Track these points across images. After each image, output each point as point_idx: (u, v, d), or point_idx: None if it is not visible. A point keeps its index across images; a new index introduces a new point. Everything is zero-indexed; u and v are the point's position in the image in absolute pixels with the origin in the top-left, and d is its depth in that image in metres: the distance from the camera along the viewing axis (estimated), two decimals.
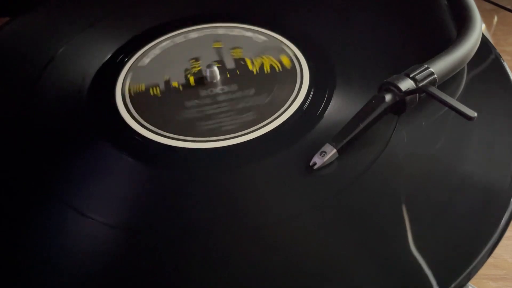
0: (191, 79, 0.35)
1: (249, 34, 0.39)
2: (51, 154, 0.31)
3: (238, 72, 0.36)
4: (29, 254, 0.26)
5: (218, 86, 0.35)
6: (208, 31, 0.40)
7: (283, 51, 0.37)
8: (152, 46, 0.39)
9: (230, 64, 0.36)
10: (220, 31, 0.40)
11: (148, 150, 0.30)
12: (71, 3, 0.45)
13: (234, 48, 0.38)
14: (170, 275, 0.24)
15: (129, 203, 0.28)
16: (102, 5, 0.44)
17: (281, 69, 0.36)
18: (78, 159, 0.31)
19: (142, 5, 0.44)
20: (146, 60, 0.37)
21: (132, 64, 0.37)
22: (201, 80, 0.35)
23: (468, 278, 0.23)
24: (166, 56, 0.38)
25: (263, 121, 0.31)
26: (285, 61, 0.36)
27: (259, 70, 0.36)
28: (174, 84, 0.35)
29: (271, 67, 0.36)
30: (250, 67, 0.36)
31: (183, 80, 0.35)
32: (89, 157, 0.31)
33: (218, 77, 0.35)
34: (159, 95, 0.34)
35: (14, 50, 0.40)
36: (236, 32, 0.39)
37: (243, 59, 0.37)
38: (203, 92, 0.34)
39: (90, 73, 0.37)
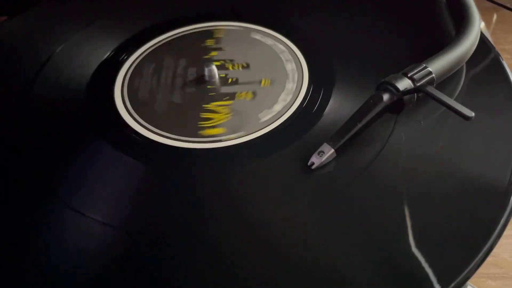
0: (191, 79, 0.35)
1: (241, 30, 0.39)
2: (49, 154, 0.31)
3: (236, 69, 0.36)
4: (27, 253, 0.26)
5: (219, 84, 0.35)
6: (200, 31, 0.40)
7: (277, 46, 0.37)
8: (149, 46, 0.38)
9: (227, 62, 0.36)
10: (217, 28, 0.40)
11: (147, 149, 0.30)
12: (69, 2, 0.45)
13: (228, 46, 0.38)
14: (169, 275, 0.24)
15: (128, 203, 0.28)
16: (100, 3, 0.44)
17: (278, 63, 0.36)
18: (76, 158, 0.31)
19: (140, 3, 0.44)
20: (144, 61, 0.37)
21: (130, 65, 0.37)
22: (201, 80, 0.35)
23: (467, 277, 0.23)
24: (160, 59, 0.37)
25: (261, 121, 0.31)
26: (281, 54, 0.37)
27: (256, 65, 0.36)
28: (174, 85, 0.35)
29: (268, 62, 0.36)
30: (247, 64, 0.36)
31: (182, 81, 0.35)
32: (88, 156, 0.31)
33: (217, 75, 0.35)
34: (161, 99, 0.34)
35: (11, 49, 0.40)
36: (228, 29, 0.40)
37: (239, 56, 0.37)
38: (204, 91, 0.34)
39: (88, 72, 0.36)
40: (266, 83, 0.34)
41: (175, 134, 0.31)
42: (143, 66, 0.37)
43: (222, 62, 0.36)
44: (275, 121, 0.31)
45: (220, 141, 0.30)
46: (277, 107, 0.32)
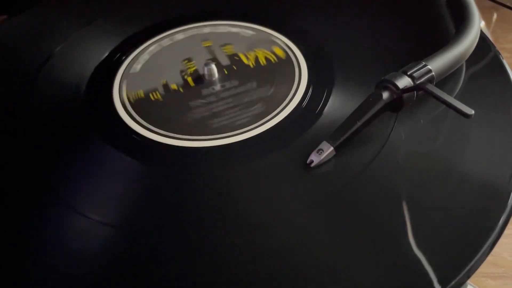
0: (189, 79, 0.35)
1: (235, 30, 0.39)
2: (48, 153, 0.31)
3: (234, 67, 0.36)
4: (27, 253, 0.26)
5: (218, 83, 0.34)
6: (193, 31, 0.39)
7: (274, 43, 0.37)
8: (140, 51, 0.38)
9: (224, 61, 0.36)
10: (207, 30, 0.40)
11: (146, 149, 0.30)
12: (68, 1, 0.45)
13: (224, 45, 0.38)
14: (168, 274, 0.24)
15: (127, 203, 0.28)
16: (99, 3, 0.44)
17: (276, 60, 0.36)
18: (75, 158, 0.31)
19: (139, 3, 0.43)
20: (138, 66, 0.37)
21: (124, 71, 0.37)
22: (200, 79, 0.35)
23: (467, 276, 0.23)
24: (156, 60, 0.37)
25: (261, 120, 0.31)
26: (279, 51, 0.36)
27: (255, 63, 0.36)
28: (173, 86, 0.35)
29: (266, 59, 0.36)
30: (246, 61, 0.36)
31: (181, 82, 0.35)
32: (87, 156, 0.31)
33: (216, 74, 0.35)
34: (161, 99, 0.34)
35: (11, 49, 0.40)
36: (222, 29, 0.39)
37: (236, 54, 0.37)
38: (204, 91, 0.34)
39: (87, 71, 0.36)
40: (266, 80, 0.34)
41: (179, 134, 0.31)
42: (138, 73, 0.36)
43: (220, 60, 0.36)
44: (275, 119, 0.31)
45: (219, 139, 0.30)
46: (277, 106, 0.32)
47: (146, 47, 0.38)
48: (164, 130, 0.31)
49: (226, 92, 0.34)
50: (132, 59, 0.37)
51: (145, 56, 0.37)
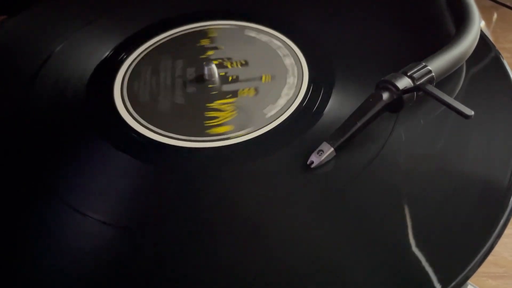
0: (190, 79, 0.35)
1: (252, 34, 0.39)
2: (49, 152, 0.31)
3: (233, 67, 0.36)
4: (27, 252, 0.26)
5: (219, 82, 0.35)
6: (194, 30, 0.39)
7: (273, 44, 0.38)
8: (147, 46, 0.38)
9: (221, 61, 0.37)
10: (211, 28, 0.39)
11: (146, 148, 0.30)
12: (68, 1, 0.45)
13: (220, 44, 0.38)
14: (170, 275, 0.24)
15: (128, 202, 0.28)
16: (99, 3, 0.44)
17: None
18: (76, 157, 0.31)
19: (139, 3, 0.43)
20: (141, 61, 0.37)
21: (129, 64, 0.37)
22: (201, 78, 0.35)
23: (468, 276, 0.23)
24: (157, 60, 0.37)
25: (268, 116, 0.31)
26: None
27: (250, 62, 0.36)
28: (176, 85, 0.35)
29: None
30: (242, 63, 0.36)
31: (182, 79, 0.35)
32: (87, 155, 0.31)
33: (217, 74, 0.35)
34: (162, 97, 0.34)
35: (11, 48, 0.40)
36: (228, 26, 0.40)
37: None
38: (205, 90, 0.34)
39: (88, 71, 0.36)
40: (267, 79, 0.34)
41: (180, 134, 0.31)
42: (141, 67, 0.36)
43: (220, 60, 0.36)
44: (281, 115, 0.31)
45: (229, 138, 0.30)
46: (281, 102, 0.32)
47: (149, 46, 0.38)
48: (168, 131, 0.31)
49: (228, 91, 0.34)
50: (135, 57, 0.37)
51: (146, 56, 0.37)
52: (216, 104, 0.33)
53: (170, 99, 0.34)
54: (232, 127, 0.31)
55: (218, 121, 0.32)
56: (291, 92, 0.33)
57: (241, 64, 0.36)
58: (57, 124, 0.33)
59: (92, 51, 0.38)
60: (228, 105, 0.33)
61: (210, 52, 0.37)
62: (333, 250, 0.25)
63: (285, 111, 0.32)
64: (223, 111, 0.32)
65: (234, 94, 0.34)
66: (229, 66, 0.36)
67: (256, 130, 0.31)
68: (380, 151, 0.29)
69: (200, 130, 0.31)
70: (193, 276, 0.24)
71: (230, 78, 0.35)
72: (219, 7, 0.42)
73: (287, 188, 0.28)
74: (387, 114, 0.30)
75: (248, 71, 0.35)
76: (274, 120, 0.31)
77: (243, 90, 0.34)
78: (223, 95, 0.34)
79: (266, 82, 0.34)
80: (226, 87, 0.34)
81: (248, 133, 0.31)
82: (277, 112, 0.32)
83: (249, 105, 0.33)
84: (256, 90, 0.34)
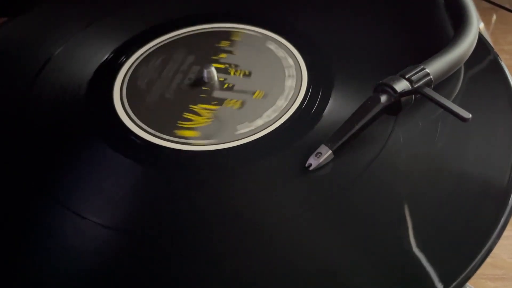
0: (190, 82, 0.35)
1: (272, 46, 0.38)
2: (48, 155, 0.31)
3: (231, 67, 0.36)
4: (26, 255, 0.26)
5: (219, 85, 0.35)
6: (192, 32, 0.39)
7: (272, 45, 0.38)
8: (149, 47, 0.38)
9: (221, 63, 0.37)
10: (237, 31, 0.39)
11: (145, 151, 0.30)
12: (68, 3, 0.45)
13: (220, 48, 0.38)
14: (169, 276, 0.24)
15: (127, 205, 0.28)
16: (99, 5, 0.44)
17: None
18: (75, 160, 0.31)
19: (140, 5, 0.44)
20: (139, 69, 0.36)
21: (129, 66, 0.37)
22: (201, 81, 0.35)
23: (467, 277, 0.23)
24: (149, 72, 0.37)
25: (238, 132, 0.31)
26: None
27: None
28: (176, 89, 0.35)
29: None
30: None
31: (183, 85, 0.35)
32: (87, 158, 0.31)
33: (216, 77, 0.35)
34: (165, 103, 0.34)
35: (11, 51, 0.40)
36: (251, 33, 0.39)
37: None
38: (197, 91, 0.34)
39: (87, 73, 0.36)
40: (259, 95, 0.34)
41: (151, 128, 0.31)
42: (139, 76, 0.36)
43: (227, 65, 0.36)
44: (251, 135, 0.31)
45: (190, 144, 0.30)
46: (259, 122, 0.32)
47: (150, 47, 0.38)
48: (166, 134, 0.31)
49: (216, 98, 0.34)
50: (134, 60, 0.37)
51: (143, 60, 0.37)
52: (198, 107, 0.33)
53: (160, 92, 0.34)
54: (199, 133, 0.31)
55: (191, 124, 0.32)
56: (290, 96, 0.33)
57: (244, 75, 0.36)
58: (57, 126, 0.33)
59: (92, 54, 0.38)
60: (208, 111, 0.33)
61: (222, 55, 0.37)
62: (332, 252, 0.25)
63: (284, 115, 0.32)
64: (200, 115, 0.32)
65: (220, 102, 0.33)
66: (231, 73, 0.36)
67: (219, 144, 0.30)
68: (379, 154, 0.29)
69: (169, 129, 0.31)
70: (193, 276, 0.24)
71: (225, 85, 0.35)
72: (213, 9, 0.42)
73: (286, 190, 0.28)
74: (385, 116, 0.30)
75: (246, 83, 0.35)
76: (243, 138, 0.31)
77: (230, 100, 0.33)
78: (209, 100, 0.33)
79: (256, 98, 0.34)
80: (217, 93, 0.34)
81: (210, 144, 0.30)
82: (248, 131, 0.31)
83: (227, 117, 0.32)
84: (242, 104, 0.33)
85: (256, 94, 0.34)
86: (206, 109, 0.33)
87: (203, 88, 0.34)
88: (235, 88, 0.34)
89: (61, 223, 0.27)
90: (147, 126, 0.32)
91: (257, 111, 0.32)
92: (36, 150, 0.31)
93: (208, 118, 0.32)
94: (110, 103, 0.34)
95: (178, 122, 0.32)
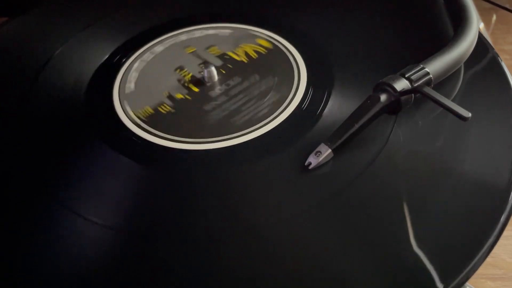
0: (191, 85, 0.35)
1: (212, 32, 0.39)
2: (48, 155, 0.31)
3: (230, 66, 0.36)
4: (25, 254, 0.26)
5: (221, 84, 0.35)
6: (170, 41, 0.39)
7: (255, 37, 0.38)
8: (146, 48, 0.38)
9: (216, 62, 0.37)
10: (184, 37, 0.40)
11: (144, 151, 0.30)
12: (68, 4, 0.45)
13: (209, 47, 0.38)
14: (169, 276, 0.24)
15: (127, 205, 0.28)
16: (99, 5, 0.44)
17: (265, 51, 0.37)
18: (75, 159, 0.31)
19: (139, 5, 0.44)
20: (131, 85, 0.36)
21: (128, 66, 0.37)
22: (201, 83, 0.35)
23: (467, 277, 0.23)
24: (147, 75, 0.37)
25: (261, 122, 0.31)
26: (264, 43, 0.37)
27: (247, 57, 0.36)
28: (179, 96, 0.34)
29: (256, 51, 0.37)
30: (237, 58, 0.36)
31: (184, 90, 0.35)
32: (86, 157, 0.31)
33: (216, 76, 0.35)
34: (173, 110, 0.33)
35: (11, 51, 0.40)
36: (198, 33, 0.40)
37: (225, 53, 0.37)
38: (212, 93, 0.34)
39: (87, 73, 0.37)
40: (264, 65, 0.35)
41: (175, 136, 0.31)
42: (134, 91, 0.36)
43: (222, 63, 0.36)
44: (274, 121, 0.31)
45: (219, 142, 0.30)
46: (276, 108, 0.32)
47: (148, 47, 0.39)
48: (169, 134, 0.31)
49: (233, 90, 0.34)
50: (134, 59, 0.37)
51: (134, 74, 0.37)
52: (234, 100, 0.33)
53: (180, 108, 0.33)
54: (254, 119, 0.32)
55: (247, 114, 0.32)
56: (290, 95, 0.33)
57: (234, 62, 0.36)
58: (57, 127, 0.33)
59: (92, 54, 0.38)
60: (240, 100, 0.33)
61: (198, 56, 0.37)
62: (332, 251, 0.25)
63: (283, 113, 0.32)
64: (238, 107, 0.33)
65: (241, 90, 0.34)
66: (223, 65, 0.36)
67: (254, 131, 0.31)
68: (379, 153, 0.29)
69: (224, 130, 0.31)
70: (192, 277, 0.24)
71: (228, 82, 0.35)
72: (225, 9, 0.42)
73: (285, 189, 0.28)
74: (385, 115, 0.30)
75: (241, 64, 0.36)
76: (272, 121, 0.31)
77: (247, 84, 0.34)
78: (231, 93, 0.34)
79: (265, 67, 0.35)
80: (230, 85, 0.34)
81: (245, 135, 0.31)
82: (275, 114, 0.32)
83: (260, 96, 0.33)
84: (262, 76, 0.34)
85: (258, 83, 0.35)
86: (223, 104, 0.33)
87: (207, 89, 0.35)
88: (238, 82, 0.35)
89: (60, 223, 0.27)
90: (176, 136, 0.31)
91: (268, 98, 0.33)
92: (36, 149, 0.31)
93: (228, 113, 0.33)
94: (110, 103, 0.34)
95: (204, 123, 0.32)
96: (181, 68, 0.37)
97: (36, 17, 0.44)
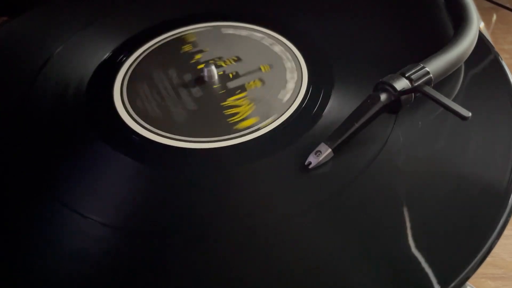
0: (191, 84, 0.35)
1: (244, 32, 0.39)
2: (48, 154, 0.31)
3: (230, 65, 0.36)
4: (26, 254, 0.26)
5: (221, 81, 0.35)
6: (171, 39, 0.39)
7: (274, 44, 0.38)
8: (146, 48, 0.38)
9: (217, 61, 0.37)
10: (187, 34, 0.40)
11: (145, 150, 0.30)
12: (68, 4, 0.45)
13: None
14: (169, 275, 0.24)
15: (127, 203, 0.28)
16: (99, 5, 0.44)
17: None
18: (75, 158, 0.31)
19: (139, 5, 0.44)
20: (135, 70, 0.36)
21: (129, 65, 0.37)
22: (201, 81, 0.35)
23: (467, 277, 0.23)
24: (147, 74, 0.37)
25: (261, 122, 0.31)
26: None
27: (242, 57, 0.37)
28: (179, 94, 0.34)
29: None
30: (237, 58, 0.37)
31: (184, 84, 0.35)
32: (87, 156, 0.31)
33: (216, 75, 0.35)
34: (173, 109, 0.33)
35: (11, 50, 0.40)
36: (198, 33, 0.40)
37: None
38: (212, 91, 0.34)
39: (87, 73, 0.37)
40: (266, 69, 0.35)
41: (206, 137, 0.31)
42: (136, 81, 0.36)
43: (212, 61, 0.36)
44: (276, 121, 0.31)
45: (219, 142, 0.30)
46: (290, 85, 0.33)
47: (148, 47, 0.39)
48: (164, 130, 0.31)
49: (235, 87, 0.34)
50: (135, 59, 0.37)
51: (134, 72, 0.37)
52: (230, 101, 0.33)
53: (181, 107, 0.33)
54: (257, 118, 0.31)
55: (241, 116, 0.32)
56: (295, 75, 0.34)
57: (235, 61, 0.36)
58: (57, 125, 0.33)
59: (92, 53, 0.38)
60: (242, 99, 0.33)
61: (197, 56, 0.37)
62: (332, 251, 0.25)
63: (284, 113, 0.32)
64: (241, 106, 0.33)
65: (242, 88, 0.34)
66: (223, 64, 0.36)
67: (281, 116, 0.31)
68: (379, 152, 0.29)
69: (227, 128, 0.31)
70: (193, 276, 0.24)
71: (231, 75, 0.35)
72: (209, 8, 0.42)
73: (285, 188, 0.28)
74: (385, 115, 0.30)
75: (244, 65, 0.36)
76: (293, 101, 0.32)
77: (249, 83, 0.34)
78: (232, 91, 0.34)
79: (266, 71, 0.35)
80: (231, 84, 0.34)
81: (274, 120, 0.31)
82: (291, 95, 0.33)
83: (261, 95, 0.33)
84: (261, 80, 0.34)
85: (262, 68, 0.35)
86: (238, 99, 0.33)
87: (214, 86, 0.35)
88: (240, 73, 0.35)
89: (60, 221, 0.27)
90: (201, 137, 0.31)
91: (279, 79, 0.34)
92: (36, 148, 0.31)
93: (249, 104, 0.33)
94: (110, 102, 0.34)
95: (228, 119, 0.32)
96: (181, 67, 0.37)
97: (36, 17, 0.44)
